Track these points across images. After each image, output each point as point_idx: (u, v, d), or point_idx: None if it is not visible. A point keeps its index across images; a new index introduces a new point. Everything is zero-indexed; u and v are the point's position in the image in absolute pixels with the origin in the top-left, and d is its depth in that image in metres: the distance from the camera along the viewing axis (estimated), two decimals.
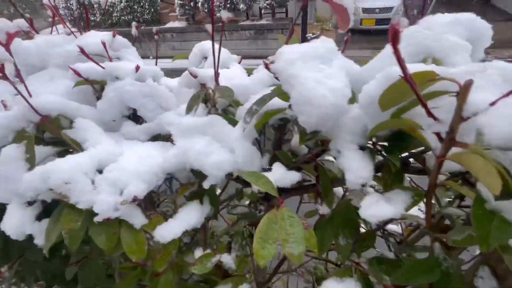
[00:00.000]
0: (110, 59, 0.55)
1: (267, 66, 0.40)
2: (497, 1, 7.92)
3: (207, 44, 0.67)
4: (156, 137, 0.54)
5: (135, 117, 0.56)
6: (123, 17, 8.07)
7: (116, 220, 0.40)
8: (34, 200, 0.42)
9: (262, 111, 0.41)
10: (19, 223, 0.41)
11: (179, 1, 7.81)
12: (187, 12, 7.76)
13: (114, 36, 0.60)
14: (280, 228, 0.30)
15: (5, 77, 0.39)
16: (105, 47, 0.53)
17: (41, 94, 0.48)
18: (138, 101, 0.51)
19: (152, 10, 8.08)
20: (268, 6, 6.89)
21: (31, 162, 0.43)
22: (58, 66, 0.57)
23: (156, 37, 0.72)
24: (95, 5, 8.09)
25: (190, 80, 0.55)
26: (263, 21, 7.09)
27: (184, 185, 0.52)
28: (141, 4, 7.96)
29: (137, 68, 0.53)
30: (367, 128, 0.36)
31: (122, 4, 8.00)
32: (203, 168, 0.42)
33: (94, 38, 0.57)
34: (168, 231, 0.43)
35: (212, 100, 0.51)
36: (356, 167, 0.35)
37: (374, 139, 0.39)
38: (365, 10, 7.00)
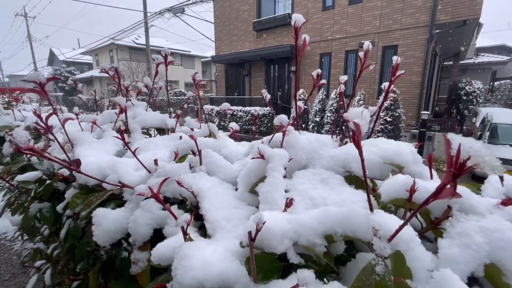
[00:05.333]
0: None
1: None
2: None
3: None
4: None
5: None
6: (245, 126, 9.88)
7: None
8: None
9: None
10: None
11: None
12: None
13: None
14: None
15: None
16: None
17: None
18: None
19: (269, 125, 9.64)
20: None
21: None
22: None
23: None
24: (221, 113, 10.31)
25: None
26: None
27: None
28: (262, 119, 9.71)
29: None
30: None
31: (247, 117, 9.98)
32: None
33: None
34: None
35: None
36: None
37: None
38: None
